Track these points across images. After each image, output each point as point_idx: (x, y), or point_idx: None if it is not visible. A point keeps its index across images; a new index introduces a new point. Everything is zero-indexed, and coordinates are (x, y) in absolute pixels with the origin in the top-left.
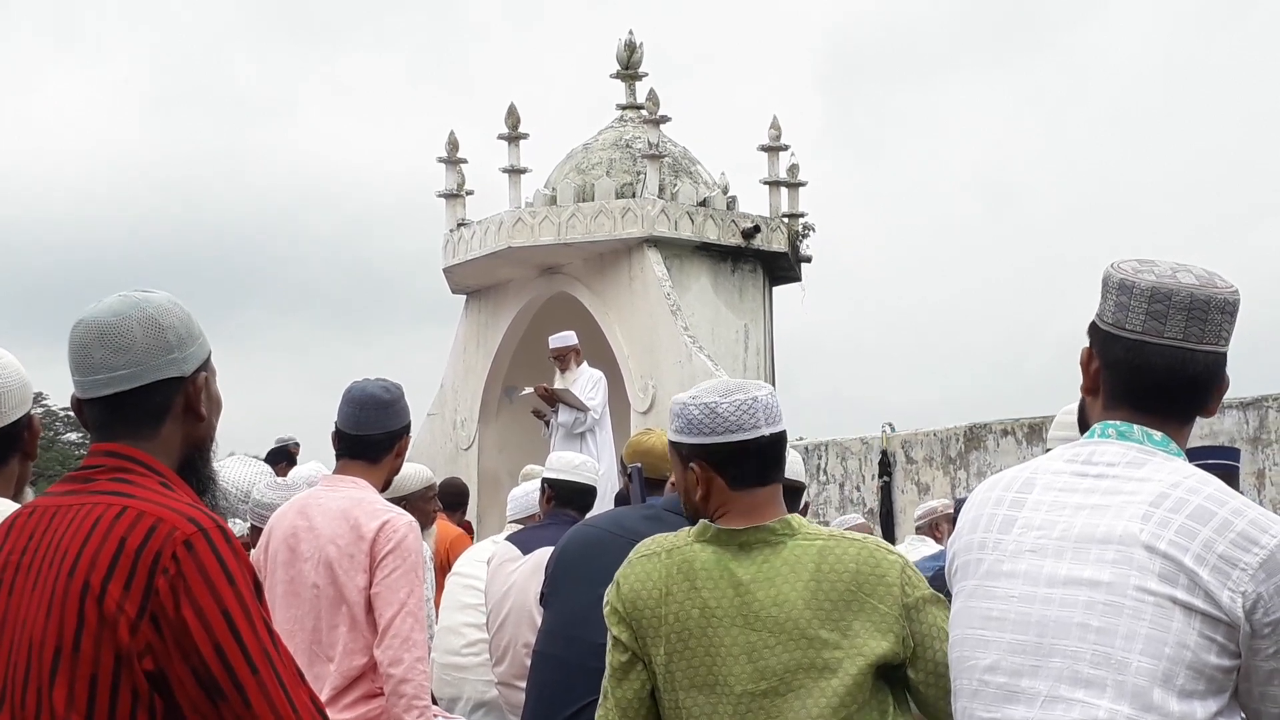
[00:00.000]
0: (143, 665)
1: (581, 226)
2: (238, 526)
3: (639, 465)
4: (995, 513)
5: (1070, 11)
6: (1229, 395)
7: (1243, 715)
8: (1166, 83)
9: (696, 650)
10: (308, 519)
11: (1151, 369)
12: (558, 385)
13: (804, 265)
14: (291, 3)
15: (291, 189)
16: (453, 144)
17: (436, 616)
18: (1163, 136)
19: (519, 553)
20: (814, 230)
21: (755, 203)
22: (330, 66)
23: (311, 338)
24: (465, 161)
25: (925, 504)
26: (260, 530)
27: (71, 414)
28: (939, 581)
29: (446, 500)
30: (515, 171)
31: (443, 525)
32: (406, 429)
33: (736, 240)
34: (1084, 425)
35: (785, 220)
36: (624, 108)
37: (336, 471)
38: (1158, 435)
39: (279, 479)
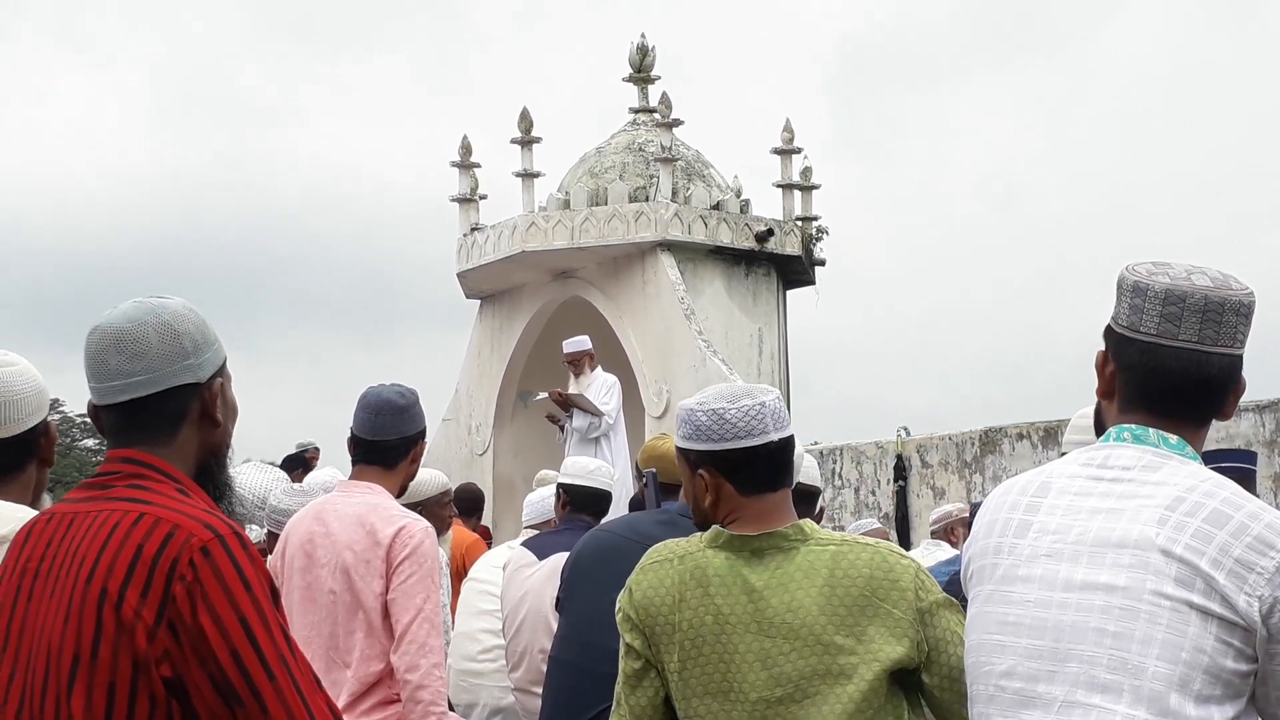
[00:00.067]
0: (160, 672)
1: (595, 230)
2: (254, 533)
3: (654, 470)
4: (1011, 517)
5: (1078, 16)
6: (1245, 398)
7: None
8: (1175, 85)
9: (710, 657)
10: (324, 525)
11: (1167, 372)
12: (572, 390)
13: (818, 268)
14: (298, 10)
15: (301, 195)
16: (466, 148)
17: (452, 622)
18: (1173, 139)
19: (534, 558)
20: (828, 233)
21: (769, 206)
22: (338, 72)
23: (323, 344)
24: (479, 166)
25: (940, 508)
26: (277, 536)
27: (88, 420)
28: (954, 586)
29: (462, 505)
30: (528, 175)
31: (458, 531)
32: (422, 434)
33: (750, 244)
34: (1100, 429)
35: (799, 223)
36: (637, 111)
37: (352, 477)
38: (1173, 439)
39: (295, 485)
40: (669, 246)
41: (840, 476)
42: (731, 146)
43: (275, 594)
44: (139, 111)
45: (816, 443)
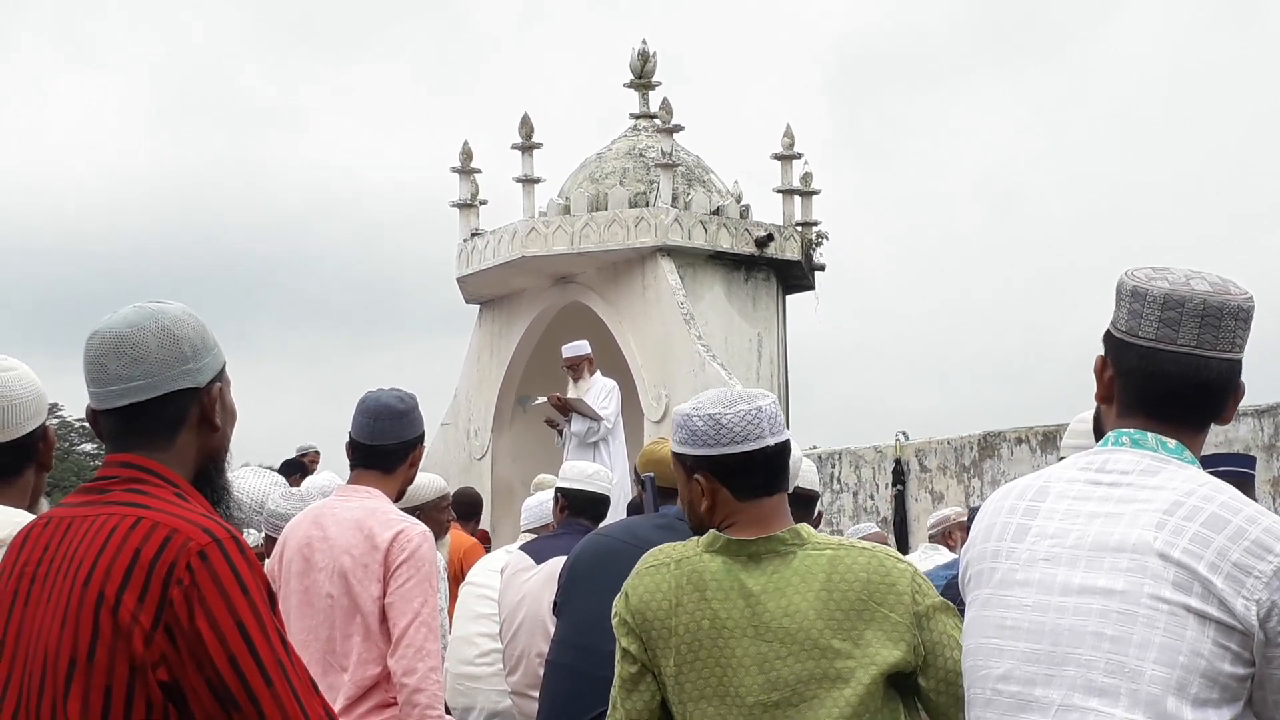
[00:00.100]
0: (157, 676)
1: (595, 236)
2: (252, 537)
3: (652, 475)
4: (1009, 521)
5: (1078, 17)
6: (1244, 402)
7: None
8: (1175, 86)
9: (707, 661)
10: (322, 529)
11: (1165, 376)
12: (571, 395)
13: (817, 273)
14: (301, 14)
15: (301, 198)
16: (466, 154)
17: (450, 626)
18: (1173, 139)
19: (532, 562)
20: (827, 238)
21: (768, 211)
22: (340, 77)
23: (323, 348)
24: (479, 171)
25: (938, 512)
26: (275, 540)
27: (87, 424)
28: (952, 590)
29: (460, 510)
30: (529, 181)
31: (456, 535)
32: (421, 439)
33: (750, 249)
34: (1099, 433)
35: (799, 228)
36: (638, 117)
37: (351, 481)
38: (1172, 443)
39: (293, 489)
40: (669, 252)
41: (839, 481)
42: (731, 151)
43: (273, 598)
44: (139, 113)
45: (815, 447)
